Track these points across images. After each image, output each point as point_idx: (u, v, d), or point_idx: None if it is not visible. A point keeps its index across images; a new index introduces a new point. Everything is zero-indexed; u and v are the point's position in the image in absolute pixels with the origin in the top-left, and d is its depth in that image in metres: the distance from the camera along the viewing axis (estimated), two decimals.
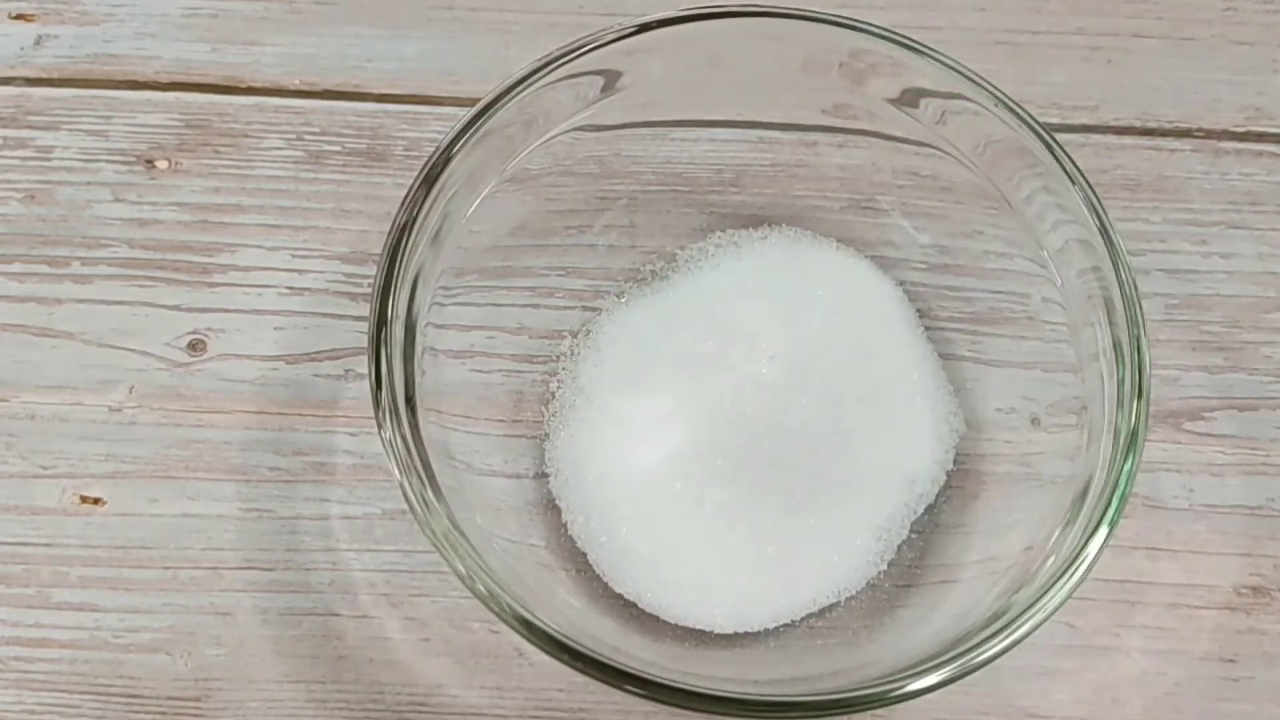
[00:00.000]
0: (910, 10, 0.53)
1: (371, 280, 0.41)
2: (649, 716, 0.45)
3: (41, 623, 0.45)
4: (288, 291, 0.49)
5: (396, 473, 0.39)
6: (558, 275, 0.49)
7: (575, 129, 0.45)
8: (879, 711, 0.43)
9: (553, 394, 0.47)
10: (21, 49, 0.53)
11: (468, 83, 0.52)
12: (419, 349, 0.42)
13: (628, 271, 0.49)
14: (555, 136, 0.45)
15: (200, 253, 0.50)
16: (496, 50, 0.53)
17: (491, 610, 0.38)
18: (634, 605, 0.44)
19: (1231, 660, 0.45)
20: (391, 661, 0.45)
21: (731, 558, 0.44)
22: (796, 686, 0.43)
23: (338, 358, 0.48)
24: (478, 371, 0.47)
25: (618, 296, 0.48)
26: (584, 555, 0.45)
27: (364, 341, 0.41)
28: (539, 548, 0.45)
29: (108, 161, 0.51)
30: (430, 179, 0.42)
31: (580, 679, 0.38)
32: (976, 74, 0.44)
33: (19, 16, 0.53)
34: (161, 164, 0.51)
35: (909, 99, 0.45)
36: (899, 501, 0.45)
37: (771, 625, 0.44)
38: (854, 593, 0.45)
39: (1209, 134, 0.52)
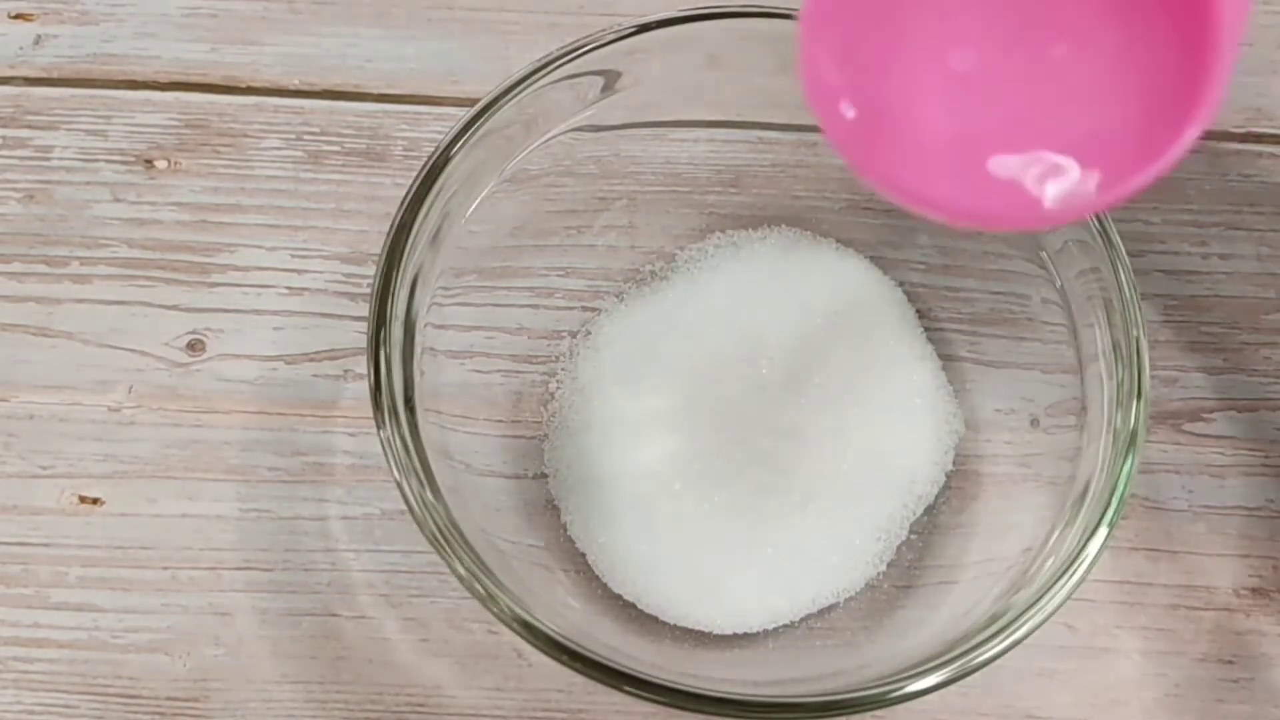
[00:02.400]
0: None
1: (371, 280, 0.41)
2: (648, 717, 0.45)
3: (40, 623, 0.45)
4: (287, 291, 0.49)
5: (395, 473, 0.39)
6: (557, 275, 0.49)
7: (575, 129, 0.45)
8: (878, 712, 0.43)
9: (552, 394, 0.47)
10: (21, 49, 0.53)
11: (468, 83, 0.52)
12: (418, 349, 0.42)
13: (627, 272, 0.49)
14: (555, 137, 0.45)
15: (199, 253, 0.50)
16: (496, 50, 0.53)
17: (490, 611, 0.38)
18: (633, 606, 0.44)
19: (1231, 662, 0.45)
20: (390, 662, 0.45)
21: (730, 559, 0.44)
22: (795, 687, 0.43)
23: (337, 358, 0.48)
24: (477, 372, 0.47)
25: (617, 297, 0.48)
26: (583, 556, 0.45)
27: (363, 341, 0.41)
28: (538, 548, 0.45)
29: (107, 161, 0.51)
30: (430, 179, 0.42)
31: (579, 680, 0.38)
32: None
33: (18, 16, 0.53)
34: (161, 164, 0.51)
35: None
36: (898, 502, 0.45)
37: (770, 626, 0.44)
38: (853, 594, 0.45)
39: (1209, 135, 0.52)
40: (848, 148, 0.33)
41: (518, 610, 0.38)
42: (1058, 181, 0.32)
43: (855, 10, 0.32)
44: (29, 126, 0.51)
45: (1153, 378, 0.41)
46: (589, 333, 0.48)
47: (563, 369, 0.47)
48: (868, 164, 0.33)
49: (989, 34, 0.32)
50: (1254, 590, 0.46)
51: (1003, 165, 0.32)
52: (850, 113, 0.32)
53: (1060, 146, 0.32)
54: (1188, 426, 0.48)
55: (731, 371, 0.46)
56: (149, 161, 0.51)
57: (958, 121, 0.32)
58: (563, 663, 0.38)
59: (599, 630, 0.43)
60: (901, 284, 0.48)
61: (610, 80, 0.44)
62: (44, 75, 0.52)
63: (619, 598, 0.45)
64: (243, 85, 0.52)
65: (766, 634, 0.45)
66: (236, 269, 0.50)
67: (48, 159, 0.51)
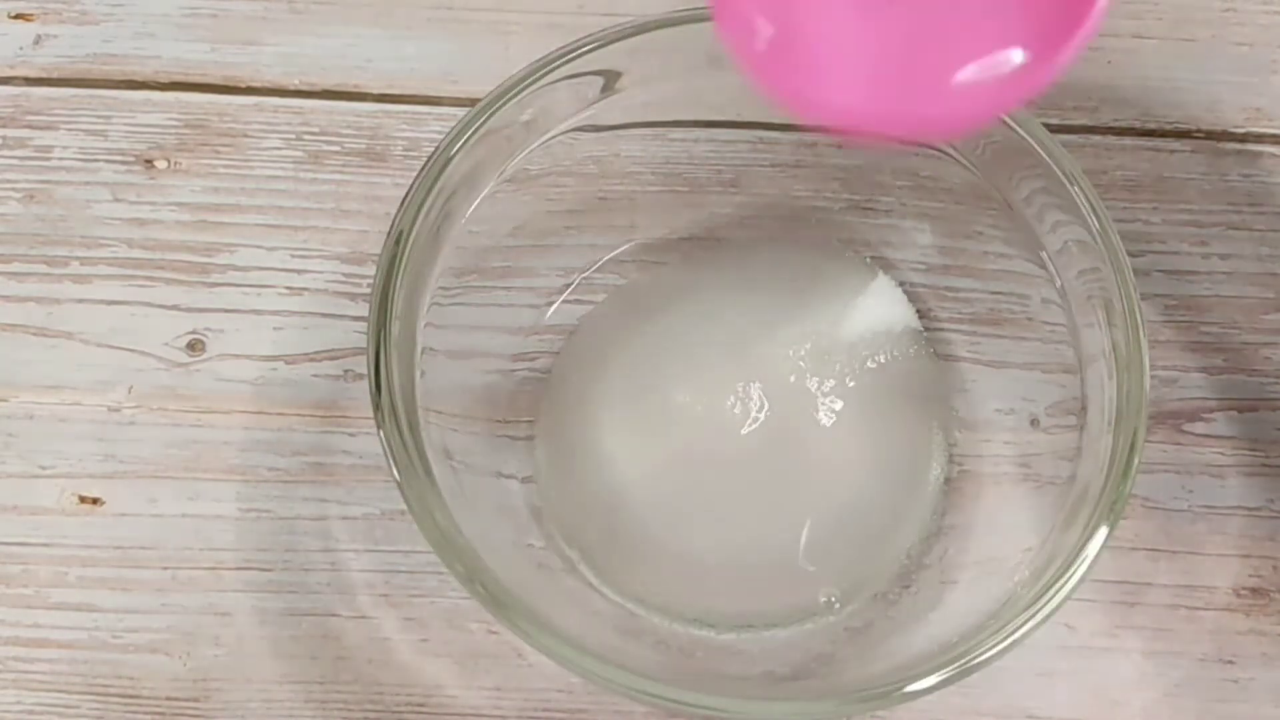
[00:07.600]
0: None
1: (371, 280, 0.41)
2: (648, 717, 0.45)
3: (40, 623, 0.45)
4: (287, 291, 0.49)
5: (395, 473, 0.39)
6: (558, 275, 0.49)
7: (575, 129, 0.45)
8: (878, 712, 0.43)
9: (551, 395, 0.47)
10: (21, 48, 0.53)
11: (468, 83, 0.52)
12: (418, 349, 0.42)
13: (627, 272, 0.49)
14: (555, 136, 0.45)
15: (199, 253, 0.50)
16: (496, 50, 0.53)
17: (491, 612, 0.38)
18: (632, 606, 0.44)
19: (1230, 662, 0.45)
20: (390, 662, 0.45)
21: (730, 559, 0.44)
22: (795, 688, 0.43)
23: (337, 358, 0.48)
24: (477, 372, 0.47)
25: (617, 297, 0.48)
26: (582, 556, 0.45)
27: (363, 341, 0.41)
28: (537, 548, 0.45)
29: (107, 161, 0.51)
30: (430, 179, 0.42)
31: (579, 680, 0.38)
32: None
33: (18, 16, 0.53)
34: (160, 164, 0.51)
35: None
36: (898, 502, 0.45)
37: (770, 626, 0.44)
38: (853, 594, 0.45)
39: (1209, 135, 0.52)
40: (763, 70, 0.32)
41: (518, 610, 0.38)
42: (982, 70, 0.31)
43: None
44: (29, 126, 0.51)
45: (1153, 378, 0.41)
46: (588, 333, 0.48)
47: (562, 369, 0.47)
48: (784, 85, 0.31)
49: None
50: (1254, 590, 0.46)
51: (926, 67, 0.31)
52: (765, 31, 0.31)
53: (978, 39, 0.31)
54: (1188, 426, 0.48)
55: (731, 372, 0.46)
56: (149, 161, 0.51)
57: (873, 29, 0.31)
58: (562, 663, 0.38)
59: (599, 630, 0.43)
60: (901, 284, 0.48)
61: (610, 80, 0.44)
62: (44, 75, 0.52)
63: (618, 598, 0.44)
64: (243, 85, 0.52)
65: (766, 634, 0.45)
66: (236, 269, 0.50)
67: (48, 159, 0.51)
